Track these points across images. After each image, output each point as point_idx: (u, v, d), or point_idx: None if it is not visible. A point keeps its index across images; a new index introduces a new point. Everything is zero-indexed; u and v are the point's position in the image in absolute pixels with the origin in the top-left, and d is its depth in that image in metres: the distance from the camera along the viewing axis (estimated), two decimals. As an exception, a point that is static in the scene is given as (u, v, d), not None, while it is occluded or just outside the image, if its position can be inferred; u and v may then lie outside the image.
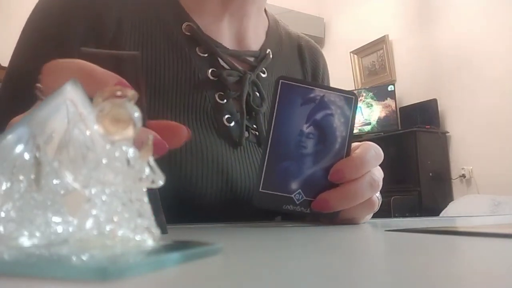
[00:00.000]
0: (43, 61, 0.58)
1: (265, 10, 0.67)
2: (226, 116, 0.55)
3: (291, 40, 0.70)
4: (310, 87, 0.44)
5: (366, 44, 4.07)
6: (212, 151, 0.52)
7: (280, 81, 0.43)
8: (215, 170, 0.52)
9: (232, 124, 0.55)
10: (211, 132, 0.54)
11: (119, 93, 0.20)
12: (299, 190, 0.43)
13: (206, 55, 0.56)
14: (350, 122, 0.45)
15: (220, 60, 0.57)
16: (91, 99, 0.21)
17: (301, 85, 0.44)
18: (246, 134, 0.56)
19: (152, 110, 0.51)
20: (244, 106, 0.56)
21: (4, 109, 0.51)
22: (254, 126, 0.57)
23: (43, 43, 0.52)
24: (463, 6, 3.33)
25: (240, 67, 0.58)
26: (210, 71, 0.56)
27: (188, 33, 0.56)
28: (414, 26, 3.74)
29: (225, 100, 0.55)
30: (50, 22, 0.53)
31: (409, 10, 3.80)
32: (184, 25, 0.56)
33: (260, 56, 0.61)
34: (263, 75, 0.61)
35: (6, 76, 0.53)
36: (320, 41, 4.61)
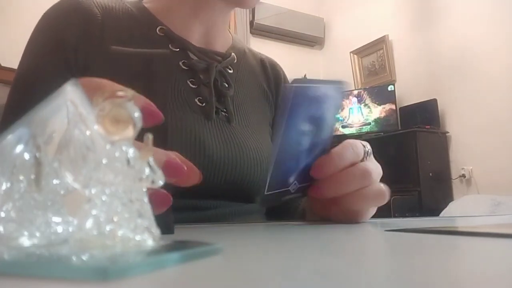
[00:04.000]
0: (43, 62, 0.62)
1: (229, 32, 0.80)
2: (198, 98, 0.64)
3: (254, 55, 0.81)
4: (315, 85, 0.44)
5: (366, 44, 4.07)
6: (186, 123, 0.60)
7: (294, 85, 0.41)
8: (189, 138, 0.60)
9: (204, 104, 0.64)
10: (186, 110, 0.62)
11: (120, 93, 0.20)
12: (295, 182, 0.45)
13: (178, 50, 0.66)
14: (338, 109, 0.47)
15: (190, 54, 0.67)
16: None
17: (308, 85, 0.43)
18: (217, 114, 0.65)
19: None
20: (212, 87, 0.65)
21: (12, 111, 0.58)
22: (224, 109, 0.66)
23: (43, 48, 0.61)
24: (463, 6, 3.33)
25: (208, 59, 0.68)
26: (181, 62, 0.65)
27: (162, 34, 0.66)
28: (414, 26, 3.74)
29: (196, 86, 0.65)
30: (48, 28, 0.62)
31: (409, 10, 3.80)
32: (158, 29, 0.66)
33: (226, 56, 0.71)
34: (230, 71, 0.71)
35: (14, 81, 0.60)
36: (320, 41, 4.61)
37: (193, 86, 0.64)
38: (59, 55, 0.59)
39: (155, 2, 0.70)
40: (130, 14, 0.67)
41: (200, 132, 0.61)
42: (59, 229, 0.20)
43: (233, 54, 0.73)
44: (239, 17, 4.02)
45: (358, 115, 3.83)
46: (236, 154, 0.62)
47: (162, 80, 0.62)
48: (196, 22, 0.69)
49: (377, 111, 3.75)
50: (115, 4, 0.67)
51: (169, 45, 0.66)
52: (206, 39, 0.70)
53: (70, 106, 0.20)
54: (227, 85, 0.68)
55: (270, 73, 0.80)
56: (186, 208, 0.58)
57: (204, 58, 0.67)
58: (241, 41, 0.81)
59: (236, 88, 0.69)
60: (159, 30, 0.66)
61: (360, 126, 3.82)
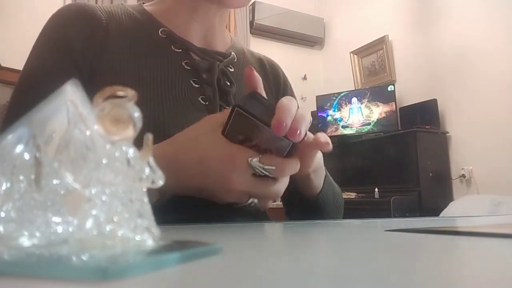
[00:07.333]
0: (50, 62, 0.64)
1: (228, 32, 0.81)
2: (201, 97, 0.65)
3: (253, 54, 0.83)
4: (259, 123, 0.43)
5: (366, 44, 4.07)
6: (191, 122, 0.61)
7: (236, 108, 0.43)
8: None
9: (207, 103, 0.65)
10: (190, 108, 0.63)
11: (120, 93, 0.20)
12: None
13: (180, 50, 0.68)
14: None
15: (192, 54, 0.68)
16: None
17: (252, 118, 0.43)
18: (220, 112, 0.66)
19: (140, 96, 0.57)
20: (215, 86, 0.66)
21: (15, 110, 0.59)
22: (227, 107, 0.66)
23: (50, 49, 0.63)
24: (463, 6, 3.33)
25: (209, 59, 0.70)
26: (184, 62, 0.67)
27: (164, 36, 0.68)
28: (414, 26, 3.74)
29: (199, 85, 0.66)
30: (55, 30, 0.64)
31: (409, 10, 3.80)
32: (160, 30, 0.68)
33: (226, 55, 0.73)
34: (231, 70, 0.72)
35: (18, 81, 0.61)
36: (320, 41, 4.61)
37: (196, 85, 0.66)
38: (67, 56, 0.60)
39: (156, 5, 0.72)
40: (132, 17, 0.68)
41: None
42: (59, 229, 0.20)
43: (233, 53, 0.75)
44: (239, 17, 4.01)
45: (358, 115, 3.83)
46: None
47: (166, 81, 0.64)
48: (195, 24, 0.71)
49: (377, 111, 3.75)
50: (117, 8, 0.69)
51: (171, 46, 0.67)
52: (206, 40, 0.72)
53: (70, 106, 0.20)
54: (229, 83, 0.70)
55: (269, 72, 0.81)
56: (194, 205, 0.59)
57: (206, 58, 0.69)
58: (239, 41, 0.83)
59: (237, 86, 0.71)
60: (161, 32, 0.68)
61: (360, 126, 3.82)
